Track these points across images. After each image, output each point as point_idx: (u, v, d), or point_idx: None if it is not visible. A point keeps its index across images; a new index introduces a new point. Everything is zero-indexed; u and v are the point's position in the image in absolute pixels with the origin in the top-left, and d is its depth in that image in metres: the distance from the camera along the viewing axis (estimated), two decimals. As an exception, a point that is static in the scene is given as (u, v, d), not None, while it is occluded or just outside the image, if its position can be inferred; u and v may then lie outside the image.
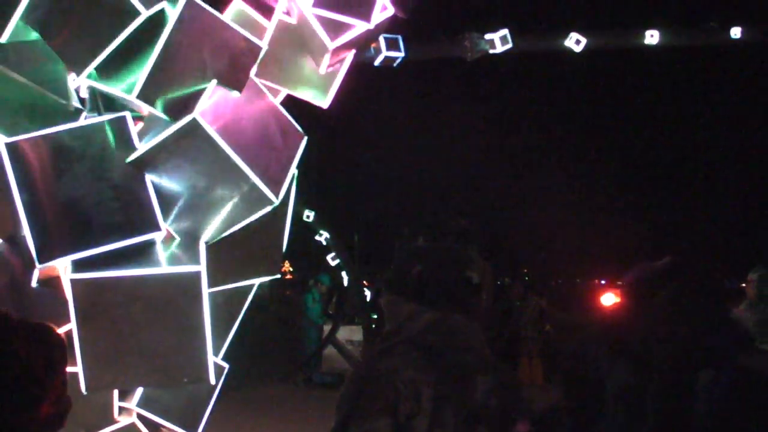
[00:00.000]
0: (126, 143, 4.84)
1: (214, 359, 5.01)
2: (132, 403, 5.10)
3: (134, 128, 4.92)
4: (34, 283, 4.90)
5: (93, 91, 5.16)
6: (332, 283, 25.33)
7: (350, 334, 23.87)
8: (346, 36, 5.33)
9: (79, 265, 4.62)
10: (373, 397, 3.69)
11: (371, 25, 5.29)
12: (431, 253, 4.11)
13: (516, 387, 3.88)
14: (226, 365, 5.37)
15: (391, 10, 5.51)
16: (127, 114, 4.93)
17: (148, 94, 4.67)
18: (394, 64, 14.38)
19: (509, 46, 15.34)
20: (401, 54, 14.17)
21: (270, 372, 21.14)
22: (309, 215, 24.26)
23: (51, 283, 4.96)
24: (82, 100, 5.32)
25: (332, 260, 25.67)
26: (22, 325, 3.02)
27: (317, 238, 25.34)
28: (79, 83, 5.10)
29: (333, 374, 21.59)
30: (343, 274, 26.31)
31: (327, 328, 23.52)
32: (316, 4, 5.20)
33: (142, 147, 4.80)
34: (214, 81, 4.79)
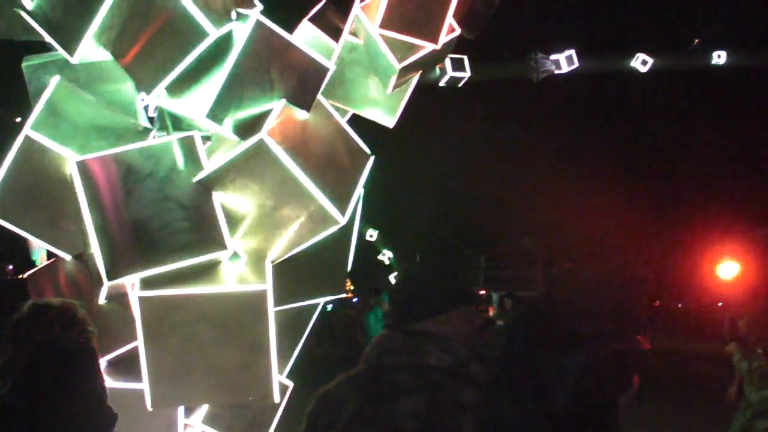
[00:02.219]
0: (194, 162, 4.87)
1: (279, 377, 5.02)
2: (197, 421, 5.13)
3: (202, 147, 4.96)
4: (102, 300, 4.96)
5: (161, 111, 5.22)
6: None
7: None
8: (414, 56, 5.34)
9: (146, 283, 4.65)
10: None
11: (438, 46, 5.30)
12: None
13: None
14: (290, 383, 5.38)
15: (458, 31, 5.52)
16: (196, 133, 4.97)
17: (217, 113, 4.70)
18: (459, 84, 14.39)
19: (575, 66, 15.30)
20: (467, 74, 14.18)
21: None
22: (372, 234, 24.31)
23: (119, 300, 5.01)
24: (150, 120, 5.38)
25: (394, 280, 25.68)
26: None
27: (380, 257, 25.39)
28: (148, 103, 5.16)
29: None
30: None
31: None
32: (384, 25, 5.22)
33: (209, 166, 4.83)
34: (283, 101, 4.81)
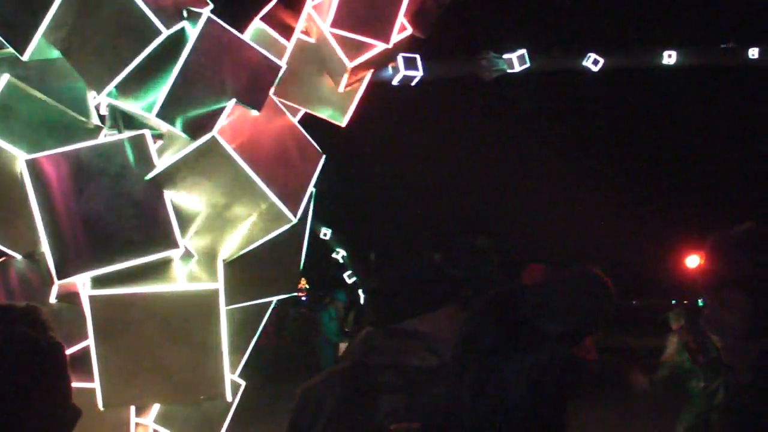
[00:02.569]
0: (145, 161, 4.87)
1: (231, 376, 5.02)
2: (148, 420, 5.11)
3: (153, 146, 4.95)
4: (52, 299, 4.93)
5: (113, 109, 5.20)
6: (349, 301, 25.32)
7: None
8: (365, 55, 5.36)
9: (97, 282, 4.64)
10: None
11: (390, 45, 5.32)
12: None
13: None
14: (243, 382, 5.38)
15: (409, 30, 5.54)
16: (147, 132, 4.96)
17: (167, 112, 4.70)
18: (412, 83, 14.42)
19: (527, 65, 15.39)
20: (419, 73, 14.20)
21: (286, 390, 21.12)
22: (326, 233, 24.31)
23: (70, 299, 4.98)
24: (102, 118, 5.36)
25: (348, 278, 25.72)
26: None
27: (334, 255, 25.39)
28: (100, 101, 5.14)
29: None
30: (360, 291, 26.33)
31: (343, 346, 23.48)
32: (335, 24, 5.23)
33: (161, 164, 4.82)
34: (234, 100, 4.82)
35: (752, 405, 3.23)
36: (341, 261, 26.69)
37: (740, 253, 3.46)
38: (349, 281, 26.21)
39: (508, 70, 15.37)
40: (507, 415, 3.20)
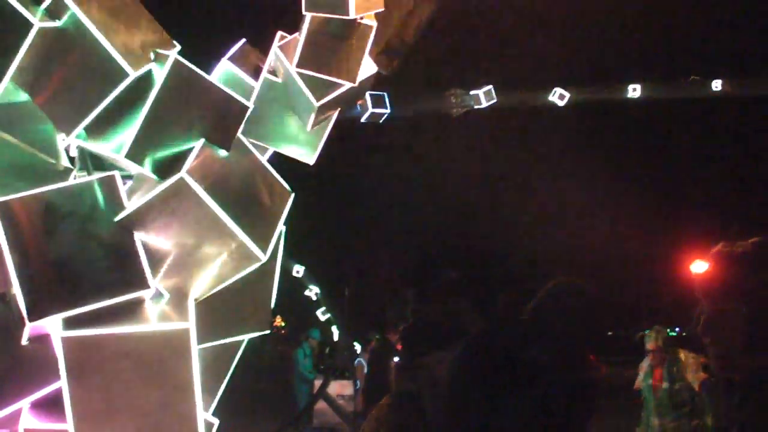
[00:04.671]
0: (115, 202, 4.89)
1: (205, 415, 5.02)
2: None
3: (123, 187, 4.97)
4: (24, 341, 4.93)
5: (82, 151, 5.23)
6: (323, 338, 25.31)
7: (341, 388, 23.74)
8: (332, 95, 5.40)
9: (69, 323, 4.65)
10: None
11: (356, 84, 5.38)
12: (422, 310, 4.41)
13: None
14: (216, 420, 5.38)
15: (374, 68, 5.60)
16: (116, 173, 4.99)
17: (136, 153, 4.74)
18: (380, 120, 14.46)
19: (494, 101, 15.49)
20: (387, 110, 14.25)
21: (262, 428, 21.04)
22: (299, 271, 24.29)
23: (42, 340, 4.98)
24: (71, 160, 5.38)
25: (322, 315, 25.68)
26: None
27: (307, 293, 25.35)
28: (69, 143, 5.17)
29: (324, 429, 21.51)
30: (334, 328, 26.30)
31: (318, 383, 23.43)
32: (300, 64, 5.29)
33: (130, 206, 4.85)
34: (202, 140, 4.87)
35: (748, 419, 3.26)
36: (314, 298, 26.63)
37: (748, 266, 3.50)
38: (323, 318, 26.17)
39: (475, 106, 15.47)
40: None
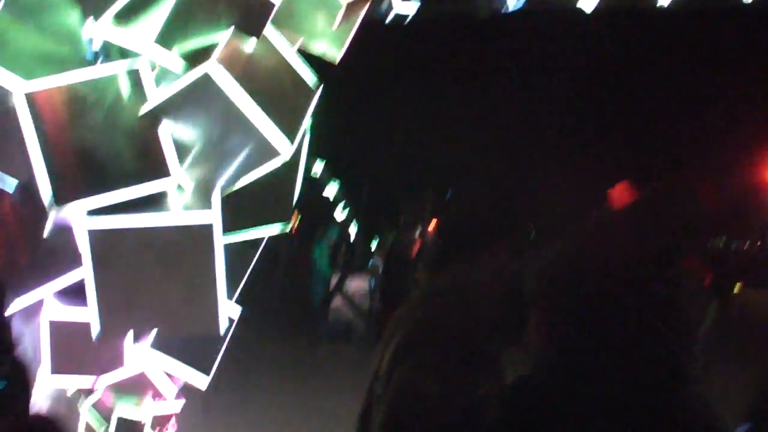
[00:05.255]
0: (140, 93, 4.88)
1: (227, 304, 5.04)
2: (145, 345, 5.14)
3: (148, 78, 4.95)
4: (46, 233, 4.95)
5: (106, 44, 5.18)
6: (340, 236, 25.41)
7: (357, 285, 23.84)
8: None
9: (93, 214, 4.66)
10: None
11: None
12: None
13: None
14: (239, 308, 5.39)
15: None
16: (142, 63, 4.96)
17: (166, 40, 4.70)
18: (405, 22, 14.18)
19: (523, 1, 15.22)
20: (414, 7, 13.97)
21: (276, 326, 21.27)
22: (316, 172, 24.33)
23: (63, 233, 5.00)
24: (95, 54, 5.34)
25: (340, 213, 25.77)
26: None
27: (324, 193, 25.43)
28: (94, 33, 5.11)
29: (340, 325, 21.73)
30: (351, 226, 26.40)
31: (333, 280, 23.54)
32: None
33: (156, 97, 4.84)
34: (232, 28, 4.83)
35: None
36: (331, 199, 26.73)
37: None
38: (338, 219, 26.31)
39: (503, 11, 15.18)
40: None
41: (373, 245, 24.55)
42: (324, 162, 24.15)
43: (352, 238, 26.77)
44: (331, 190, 26.23)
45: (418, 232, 21.50)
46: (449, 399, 3.57)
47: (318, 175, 24.69)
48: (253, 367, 15.92)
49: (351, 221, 27.01)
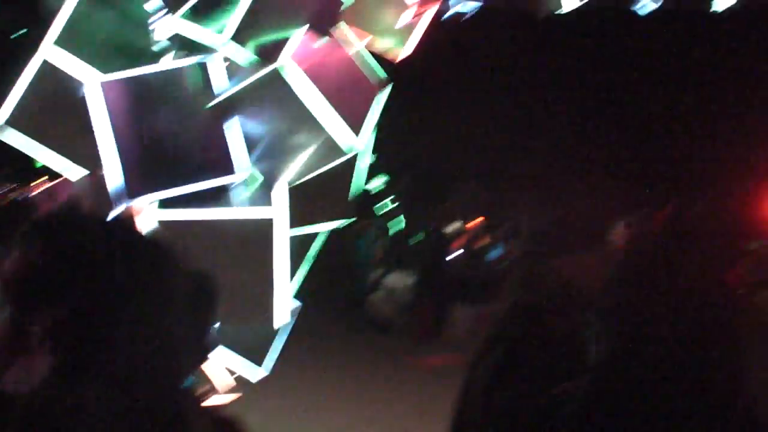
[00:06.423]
0: (209, 87, 4.93)
1: (288, 299, 5.08)
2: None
3: (219, 72, 5.00)
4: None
5: (176, 37, 5.23)
6: (383, 229, 25.42)
7: (399, 280, 23.82)
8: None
9: (163, 206, 4.74)
10: None
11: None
12: None
13: None
14: (298, 303, 5.42)
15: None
16: (212, 58, 5.01)
17: (241, 35, 4.77)
18: (462, 20, 14.08)
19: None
20: (475, 5, 13.87)
21: (320, 316, 21.31)
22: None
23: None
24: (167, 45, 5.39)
25: (380, 209, 25.80)
26: None
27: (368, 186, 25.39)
28: (168, 26, 5.15)
29: (380, 319, 21.75)
30: (395, 220, 26.40)
31: (374, 275, 23.52)
32: None
33: (224, 92, 4.90)
34: (306, 26, 4.87)
35: None
36: (373, 192, 26.73)
37: None
38: (380, 213, 26.37)
39: (556, 12, 15.04)
40: None
41: (416, 240, 24.54)
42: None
43: (394, 231, 26.75)
44: (374, 184, 26.22)
45: (460, 226, 21.55)
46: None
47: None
48: (302, 358, 15.99)
49: (394, 215, 27.01)
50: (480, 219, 22.36)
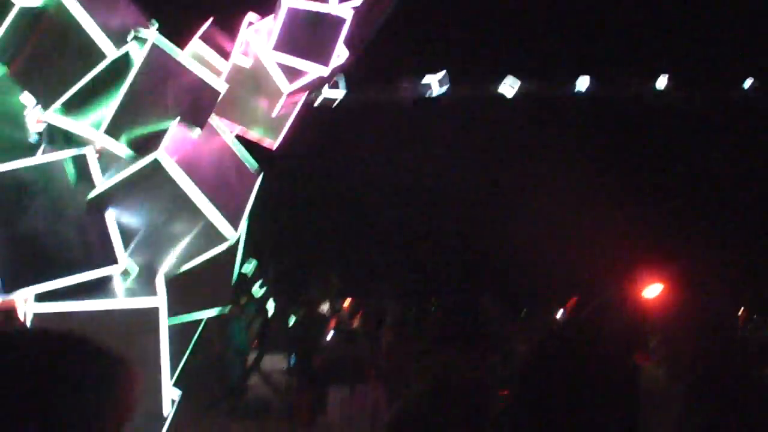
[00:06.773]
0: (87, 179, 4.94)
1: (168, 388, 5.06)
2: None
3: (95, 165, 5.01)
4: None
5: (50, 127, 5.23)
6: (257, 313, 25.29)
7: (275, 363, 23.69)
8: (303, 80, 5.48)
9: (40, 298, 4.69)
10: None
11: (328, 71, 5.46)
12: None
13: None
14: (178, 392, 5.40)
15: (346, 54, 5.68)
16: (89, 150, 5.02)
17: (114, 130, 4.78)
18: (333, 105, 14.30)
19: (447, 86, 15.42)
20: (341, 94, 14.09)
21: (194, 402, 20.97)
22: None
23: (8, 316, 5.00)
24: (38, 135, 5.38)
25: (259, 288, 25.66)
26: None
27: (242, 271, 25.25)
28: (41, 119, 5.16)
29: (258, 402, 21.55)
30: (269, 303, 26.28)
31: (251, 357, 23.36)
32: (278, 47, 5.35)
33: (102, 184, 4.91)
34: (178, 119, 4.92)
35: None
36: (249, 275, 26.57)
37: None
38: (259, 293, 26.20)
39: (426, 95, 15.42)
40: None
41: (290, 322, 24.48)
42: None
43: (269, 314, 26.61)
44: (247, 268, 26.09)
45: (326, 310, 21.69)
46: None
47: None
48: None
49: (268, 299, 26.89)
50: (348, 302, 22.54)
